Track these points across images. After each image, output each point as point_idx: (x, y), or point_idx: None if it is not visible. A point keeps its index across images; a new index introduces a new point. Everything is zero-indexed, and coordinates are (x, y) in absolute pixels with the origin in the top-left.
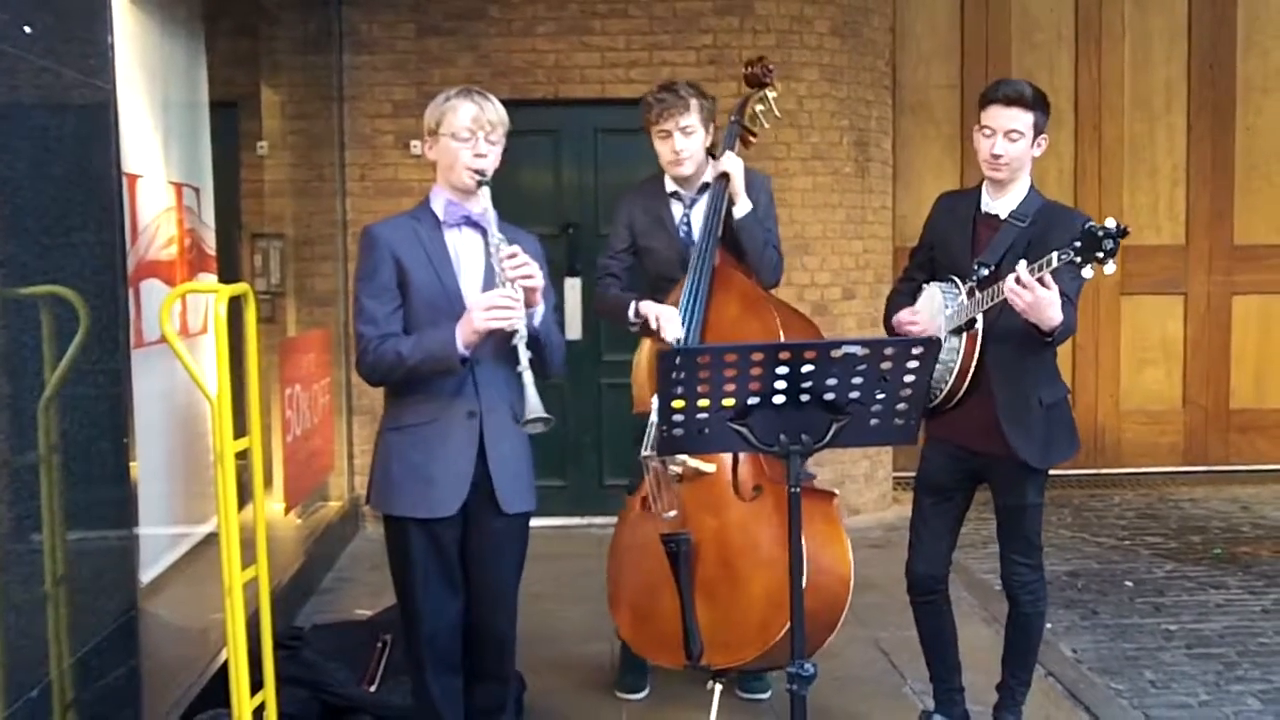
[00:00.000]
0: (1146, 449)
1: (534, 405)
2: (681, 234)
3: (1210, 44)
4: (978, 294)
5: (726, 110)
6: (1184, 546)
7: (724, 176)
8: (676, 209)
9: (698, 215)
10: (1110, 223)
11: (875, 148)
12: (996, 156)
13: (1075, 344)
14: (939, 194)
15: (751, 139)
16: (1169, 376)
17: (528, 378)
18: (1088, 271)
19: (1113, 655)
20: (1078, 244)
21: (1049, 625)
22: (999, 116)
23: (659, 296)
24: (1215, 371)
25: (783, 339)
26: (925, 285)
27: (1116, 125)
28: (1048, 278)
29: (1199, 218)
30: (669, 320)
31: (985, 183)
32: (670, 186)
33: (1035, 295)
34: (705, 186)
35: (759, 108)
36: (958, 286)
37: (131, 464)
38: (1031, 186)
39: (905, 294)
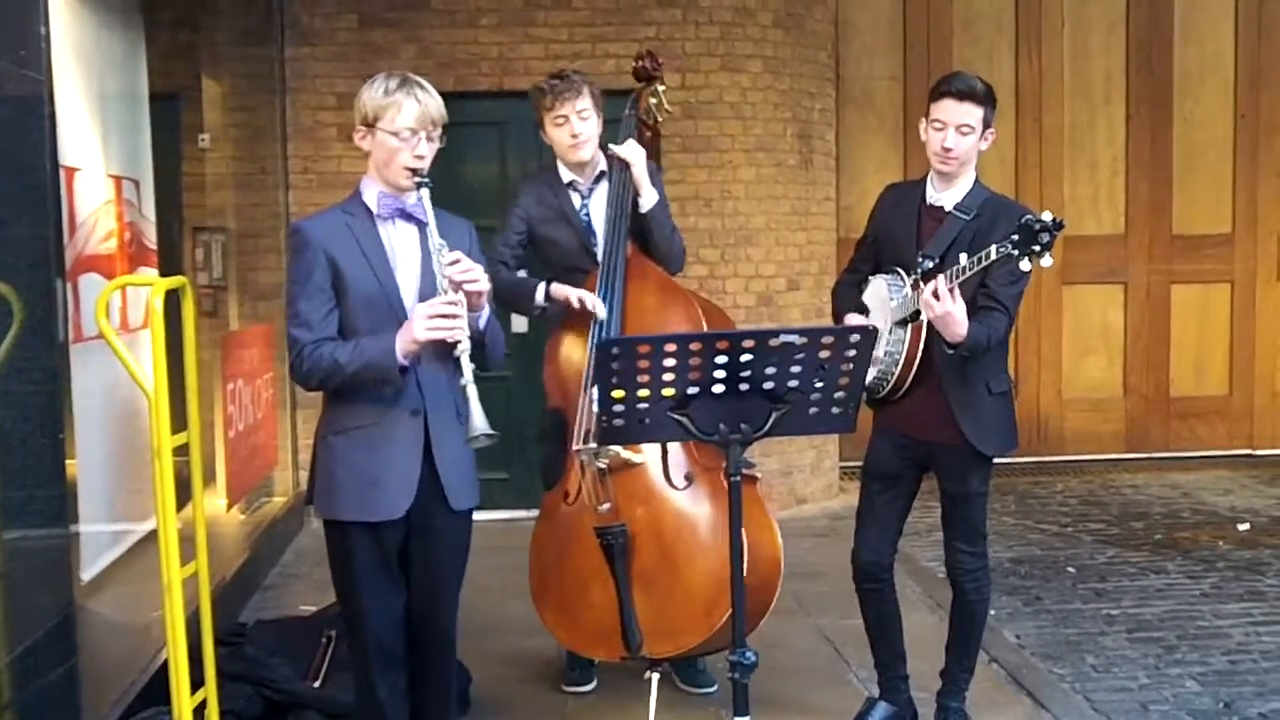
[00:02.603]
0: (1088, 436)
1: (479, 423)
2: (583, 224)
3: (1148, 34)
4: (922, 286)
5: (679, 103)
6: (1125, 532)
7: (625, 165)
8: (575, 199)
9: (596, 204)
10: (1046, 216)
11: (819, 139)
12: (947, 150)
13: (1018, 333)
14: (884, 186)
15: (648, 131)
16: (1110, 365)
17: (472, 391)
18: (1025, 264)
19: (1055, 640)
20: (1015, 237)
21: (992, 611)
22: (951, 110)
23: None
24: (1155, 360)
25: (705, 327)
26: (871, 277)
27: (1056, 116)
28: (956, 291)
29: (1138, 207)
30: (594, 301)
31: (931, 175)
32: (567, 176)
33: (945, 309)
34: (601, 175)
35: (651, 101)
36: (902, 279)
37: (69, 461)
38: (976, 179)
39: (851, 285)
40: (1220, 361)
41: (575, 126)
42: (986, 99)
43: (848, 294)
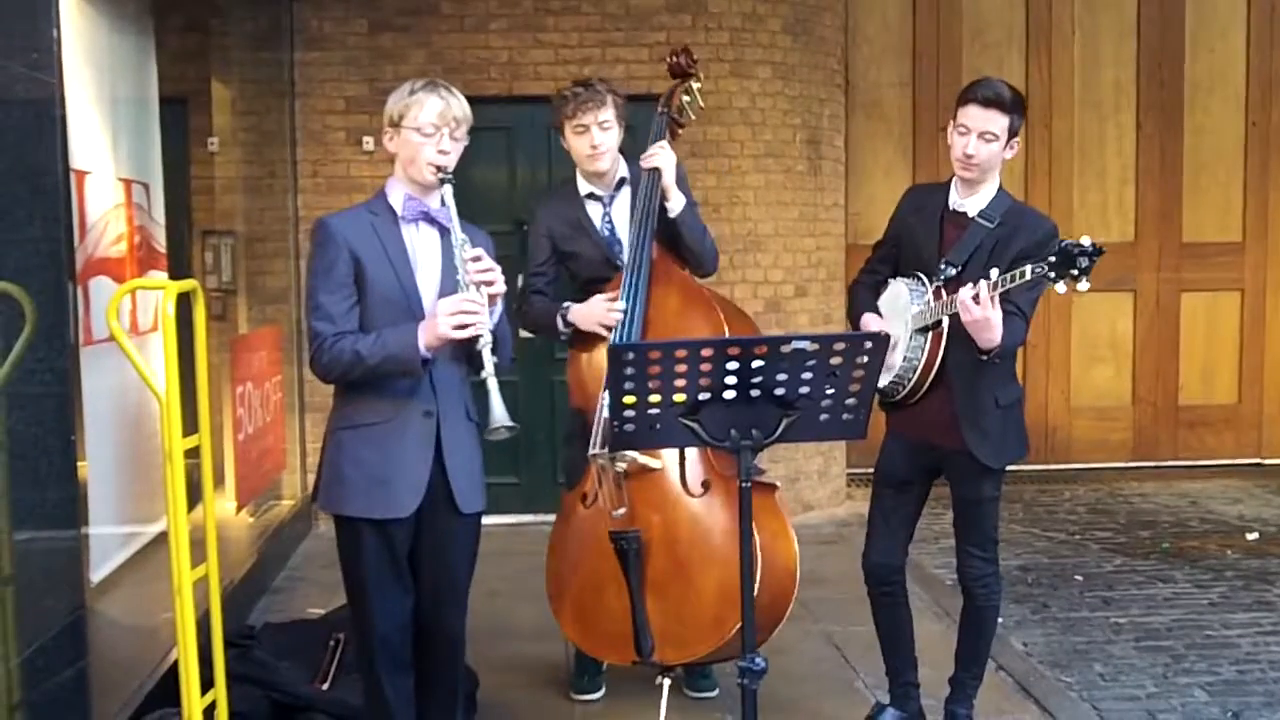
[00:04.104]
0: (1097, 445)
1: (500, 415)
2: (605, 234)
3: (1158, 44)
4: (945, 295)
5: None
6: (1133, 541)
7: (654, 170)
8: (595, 210)
9: (619, 212)
10: (1086, 240)
11: (828, 145)
12: (969, 156)
13: (1027, 341)
14: (894, 191)
15: (679, 130)
16: (1119, 373)
17: (493, 384)
18: (1061, 287)
19: (1063, 648)
20: (1052, 259)
21: (1000, 619)
22: (976, 117)
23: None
24: (1164, 368)
25: (726, 333)
26: (890, 280)
27: (1066, 124)
28: (997, 299)
29: (1148, 216)
30: (613, 314)
31: (954, 180)
32: (585, 188)
33: (985, 314)
34: (621, 182)
35: (685, 98)
36: (924, 284)
37: (80, 463)
38: (1000, 187)
39: (868, 287)
40: (1229, 370)
41: (596, 137)
42: (1013, 107)
43: (865, 295)
